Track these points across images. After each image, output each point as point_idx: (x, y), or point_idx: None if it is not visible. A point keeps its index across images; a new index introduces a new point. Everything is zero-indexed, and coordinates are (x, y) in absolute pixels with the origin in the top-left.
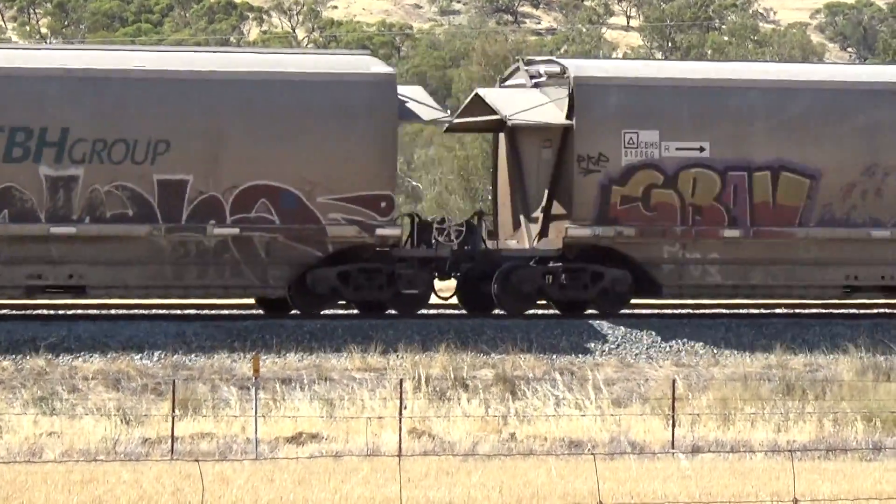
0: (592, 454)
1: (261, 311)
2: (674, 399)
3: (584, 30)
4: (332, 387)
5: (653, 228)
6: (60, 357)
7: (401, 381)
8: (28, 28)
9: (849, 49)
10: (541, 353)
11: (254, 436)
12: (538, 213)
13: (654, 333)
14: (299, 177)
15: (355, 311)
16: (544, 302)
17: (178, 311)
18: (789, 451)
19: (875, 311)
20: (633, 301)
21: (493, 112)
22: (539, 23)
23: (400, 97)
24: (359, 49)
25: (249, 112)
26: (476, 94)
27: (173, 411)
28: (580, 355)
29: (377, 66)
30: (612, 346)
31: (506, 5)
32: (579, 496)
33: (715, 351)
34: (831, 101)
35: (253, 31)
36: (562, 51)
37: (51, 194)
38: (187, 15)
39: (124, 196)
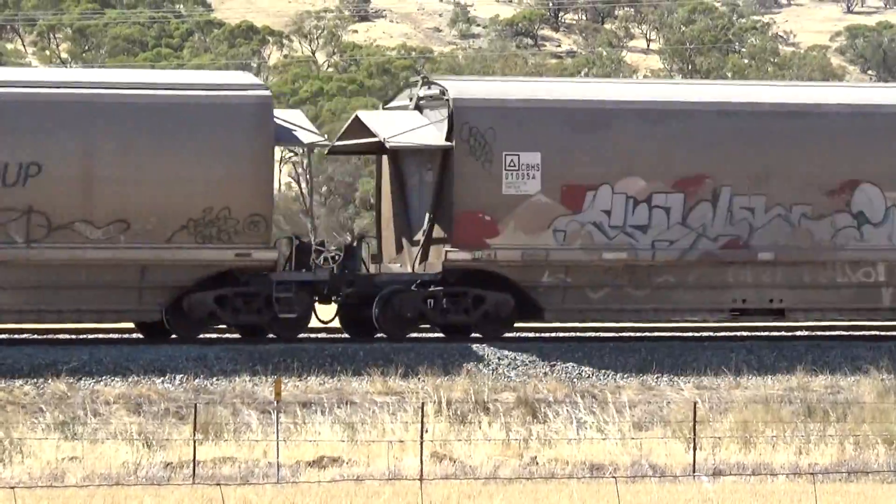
0: (614, 477)
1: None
2: (695, 422)
3: (605, 53)
4: (353, 410)
5: None
6: (82, 381)
7: (422, 404)
8: (48, 53)
9: (869, 71)
10: (562, 376)
11: (275, 460)
12: None
13: (674, 356)
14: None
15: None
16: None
17: (199, 335)
18: (811, 473)
19: None
20: (647, 324)
21: None
22: (559, 46)
23: None
24: None
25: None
26: None
27: (195, 435)
28: (601, 378)
29: None
30: (634, 369)
31: (526, 28)
32: None
33: (736, 373)
34: None
35: (273, 55)
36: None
37: None
38: (207, 40)
39: None
